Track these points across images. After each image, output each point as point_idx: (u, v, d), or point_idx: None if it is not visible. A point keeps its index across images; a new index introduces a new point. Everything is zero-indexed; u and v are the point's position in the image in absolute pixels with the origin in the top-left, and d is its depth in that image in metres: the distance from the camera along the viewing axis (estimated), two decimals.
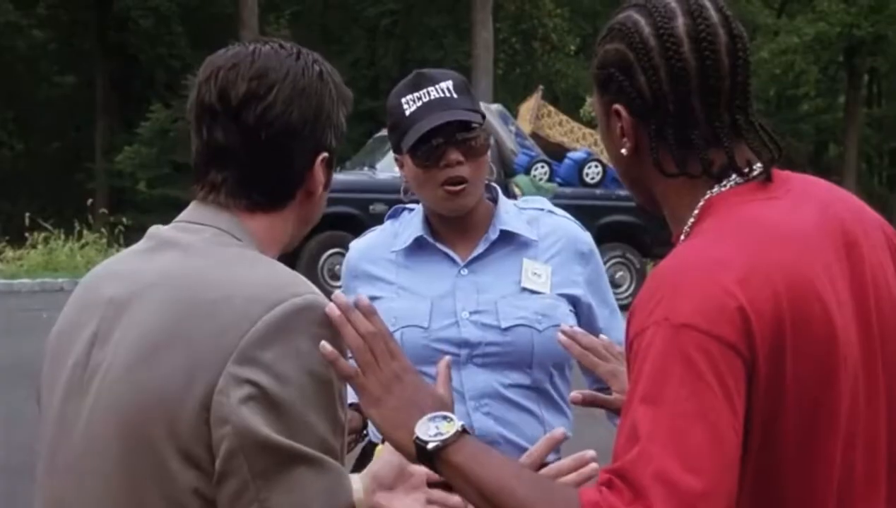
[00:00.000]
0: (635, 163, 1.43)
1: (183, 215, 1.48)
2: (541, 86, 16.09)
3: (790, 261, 1.29)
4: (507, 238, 2.25)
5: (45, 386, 1.49)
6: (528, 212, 2.31)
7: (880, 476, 1.35)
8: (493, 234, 2.24)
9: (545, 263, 2.24)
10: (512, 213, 2.28)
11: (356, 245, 2.38)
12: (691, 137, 1.37)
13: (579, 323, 2.25)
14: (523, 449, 2.09)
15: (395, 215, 2.38)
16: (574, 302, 2.25)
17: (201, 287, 1.35)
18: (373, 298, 2.25)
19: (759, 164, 1.39)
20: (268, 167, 1.44)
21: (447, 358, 1.58)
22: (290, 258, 15.50)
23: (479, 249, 2.24)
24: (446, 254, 2.25)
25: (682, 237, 1.40)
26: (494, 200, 2.29)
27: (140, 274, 1.41)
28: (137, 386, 1.34)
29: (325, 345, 1.33)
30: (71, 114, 28.72)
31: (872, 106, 34.46)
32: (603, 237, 12.29)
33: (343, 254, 11.80)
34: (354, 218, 12.46)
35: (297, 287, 1.37)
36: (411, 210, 2.34)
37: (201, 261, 1.39)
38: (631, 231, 13.25)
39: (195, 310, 1.34)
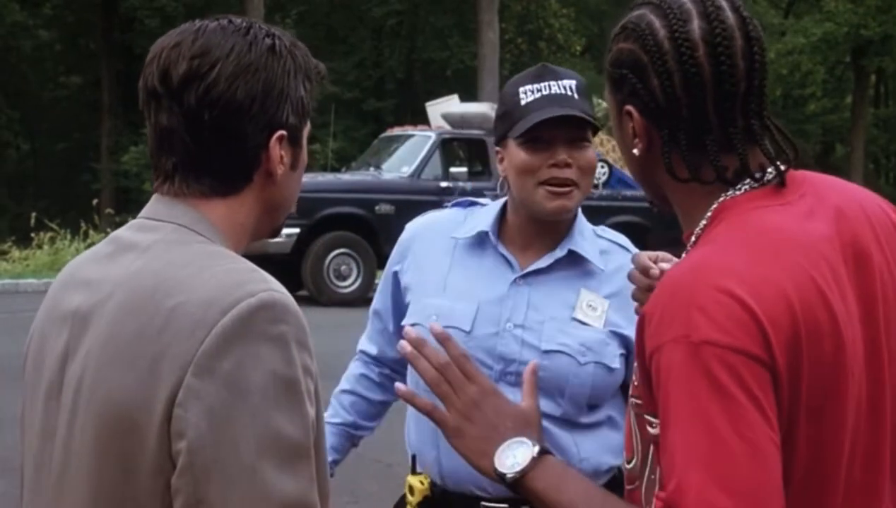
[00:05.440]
0: (647, 163, 1.40)
1: (143, 211, 1.43)
2: None
3: (802, 271, 1.27)
4: (573, 260, 2.13)
5: (27, 399, 1.45)
6: (603, 242, 2.19)
7: (883, 490, 1.33)
8: (561, 252, 2.12)
9: (605, 297, 2.12)
10: (587, 236, 2.16)
11: (413, 224, 2.28)
12: (705, 142, 1.35)
13: (627, 368, 2.12)
14: None
15: (463, 205, 2.27)
16: (626, 344, 2.11)
17: (158, 294, 1.29)
18: (418, 286, 2.19)
19: (771, 169, 1.36)
20: (216, 149, 1.37)
21: (534, 361, 1.55)
22: (295, 258, 15.38)
23: (543, 263, 2.13)
24: (505, 259, 2.15)
25: (693, 239, 1.37)
26: (573, 218, 2.17)
27: (100, 283, 1.36)
28: (105, 401, 1.29)
29: (399, 387, 1.36)
30: (77, 115, 28.76)
31: (879, 106, 34.40)
32: None
33: (348, 254, 11.79)
34: (360, 218, 12.46)
35: (252, 285, 1.29)
36: (484, 205, 2.24)
37: (158, 265, 1.33)
38: (636, 231, 13.21)
39: (153, 320, 1.28)
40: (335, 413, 2.35)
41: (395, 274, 2.26)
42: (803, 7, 30.37)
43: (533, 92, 2.08)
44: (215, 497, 1.23)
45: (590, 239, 2.17)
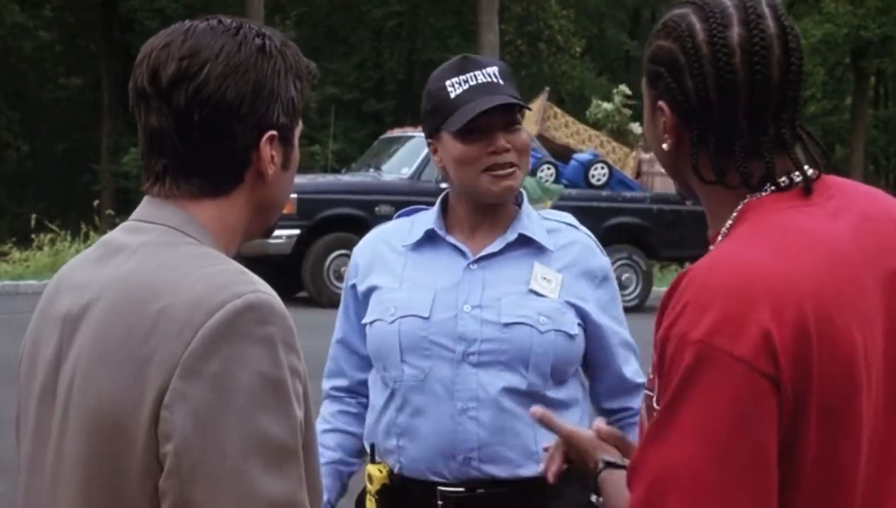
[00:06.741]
0: (676, 159, 1.42)
1: (134, 214, 1.43)
2: (546, 88, 16.07)
3: (821, 272, 1.28)
4: (523, 242, 2.20)
5: (22, 401, 1.44)
6: (550, 223, 2.26)
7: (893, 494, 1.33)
8: (511, 236, 2.19)
9: (557, 271, 2.19)
10: (534, 220, 2.24)
11: (361, 240, 2.34)
12: (733, 147, 1.36)
13: (588, 345, 2.19)
14: (506, 458, 2.09)
15: (408, 213, 2.33)
16: (582, 315, 2.19)
17: (146, 296, 1.30)
18: (375, 288, 2.23)
19: (797, 174, 1.37)
20: (206, 149, 1.37)
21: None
22: (296, 259, 15.30)
23: (494, 247, 2.19)
24: (456, 248, 2.21)
25: (720, 238, 1.38)
26: (518, 205, 2.25)
27: (90, 286, 1.36)
28: (95, 403, 1.30)
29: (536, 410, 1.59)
30: (77, 116, 28.76)
31: (879, 107, 34.43)
32: (609, 239, 12.27)
33: (348, 256, 11.73)
34: (360, 219, 12.46)
35: (238, 286, 1.29)
36: (426, 210, 2.30)
37: (146, 267, 1.33)
38: (637, 232, 13.23)
39: (141, 322, 1.28)
40: (321, 453, 2.30)
41: (353, 287, 2.30)
42: (803, 8, 30.36)
43: (460, 84, 2.13)
44: (202, 498, 1.23)
45: (536, 221, 2.24)
